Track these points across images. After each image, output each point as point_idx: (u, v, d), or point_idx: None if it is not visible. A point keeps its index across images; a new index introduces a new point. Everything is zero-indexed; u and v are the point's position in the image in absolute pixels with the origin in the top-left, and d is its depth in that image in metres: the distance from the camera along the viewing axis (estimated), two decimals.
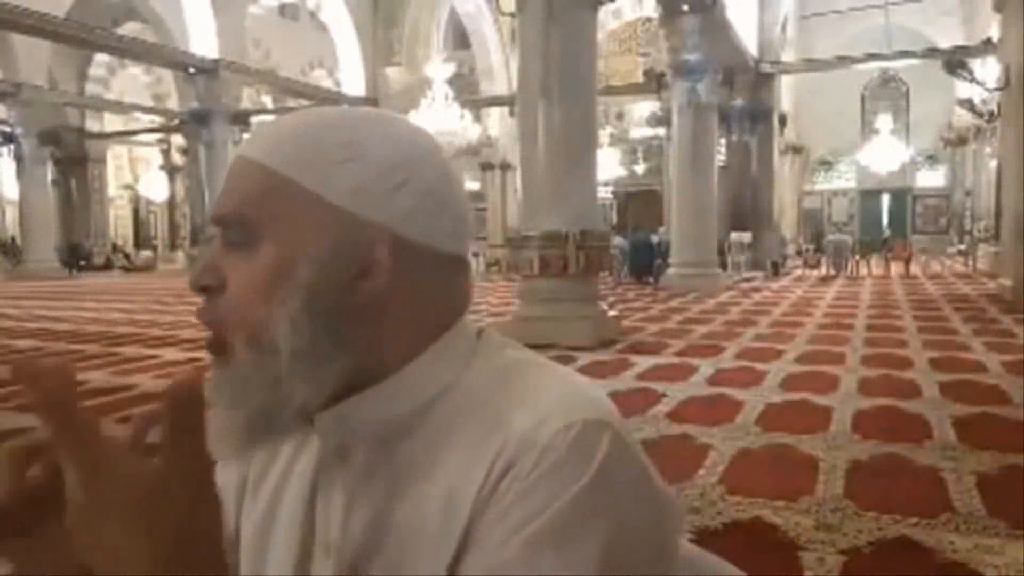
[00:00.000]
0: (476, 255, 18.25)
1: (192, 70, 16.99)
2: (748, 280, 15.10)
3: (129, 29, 20.27)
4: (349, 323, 0.50)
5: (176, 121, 22.21)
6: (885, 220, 25.92)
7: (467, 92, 21.04)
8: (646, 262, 15.08)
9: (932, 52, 17.27)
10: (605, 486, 0.46)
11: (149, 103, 25.12)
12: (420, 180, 0.52)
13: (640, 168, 26.68)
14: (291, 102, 23.46)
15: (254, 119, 19.60)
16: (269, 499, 0.58)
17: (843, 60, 19.02)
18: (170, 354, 6.73)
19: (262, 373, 0.49)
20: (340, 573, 0.52)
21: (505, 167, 23.81)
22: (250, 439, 0.51)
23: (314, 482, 0.55)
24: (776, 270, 16.87)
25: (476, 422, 0.50)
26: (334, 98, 21.18)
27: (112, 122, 25.93)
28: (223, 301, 0.50)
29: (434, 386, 0.52)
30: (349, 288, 0.50)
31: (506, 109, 19.98)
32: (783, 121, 20.30)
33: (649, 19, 21.46)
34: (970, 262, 18.37)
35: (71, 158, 22.72)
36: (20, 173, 19.75)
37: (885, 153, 23.47)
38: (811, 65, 20.36)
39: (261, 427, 0.51)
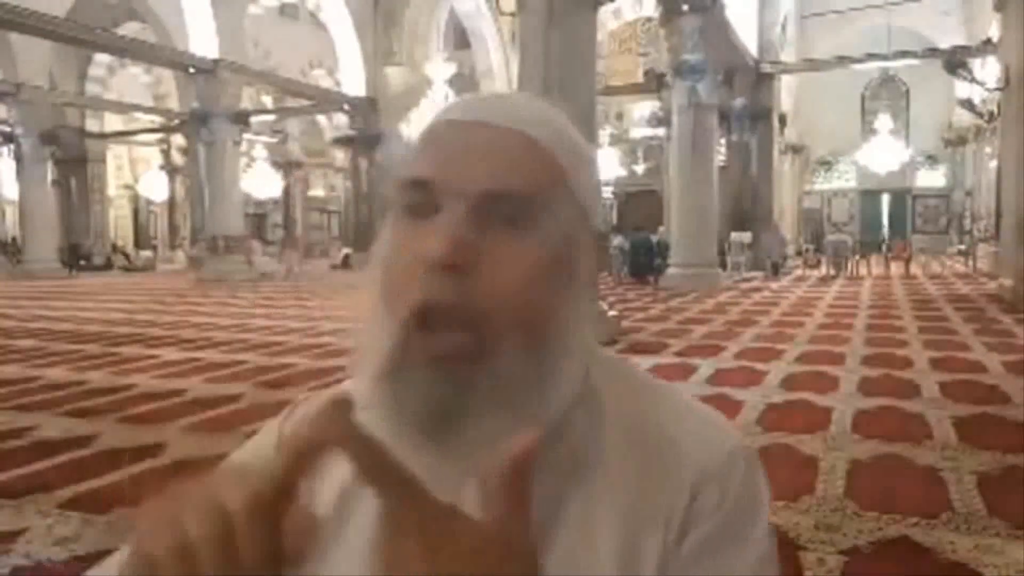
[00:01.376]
0: None
1: (192, 70, 16.97)
2: (748, 280, 15.10)
3: (129, 29, 20.25)
4: (588, 320, 0.51)
5: (176, 121, 22.20)
6: (885, 220, 25.92)
7: (467, 92, 21.01)
8: (646, 262, 15.07)
9: (932, 52, 17.27)
10: (768, 503, 0.51)
11: (149, 103, 25.10)
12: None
13: (640, 168, 26.66)
14: (291, 102, 23.47)
15: (253, 118, 19.61)
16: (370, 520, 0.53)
17: (843, 60, 19.01)
18: (170, 354, 6.72)
19: (534, 369, 0.46)
20: None
21: None
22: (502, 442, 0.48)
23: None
24: (776, 270, 16.86)
25: (632, 441, 0.51)
26: (334, 98, 21.17)
27: (112, 122, 25.91)
28: (485, 284, 0.44)
29: (575, 386, 0.51)
30: (589, 287, 0.51)
31: None
32: (783, 121, 20.29)
33: (649, 19, 21.45)
34: (970, 262, 18.36)
35: (71, 158, 22.69)
36: (20, 173, 19.72)
37: (885, 153, 23.46)
38: (811, 65, 20.35)
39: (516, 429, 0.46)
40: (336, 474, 0.48)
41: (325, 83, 23.45)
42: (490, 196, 0.46)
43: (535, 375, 0.46)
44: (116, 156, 28.26)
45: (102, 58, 22.96)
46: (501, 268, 0.45)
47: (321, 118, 27.31)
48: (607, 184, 23.01)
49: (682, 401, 0.55)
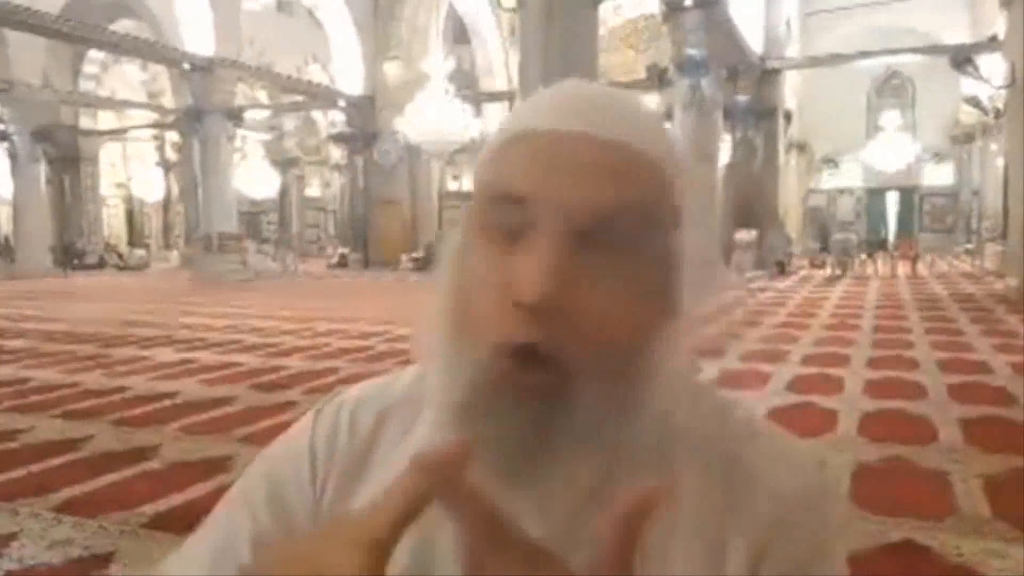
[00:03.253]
0: None
1: (187, 66, 16.93)
2: (752, 279, 15.02)
3: (123, 26, 20.18)
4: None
5: (171, 118, 22.18)
6: (892, 219, 25.83)
7: (467, 87, 20.98)
8: None
9: (938, 49, 17.17)
10: (841, 543, 0.53)
11: (144, 100, 25.08)
12: None
13: None
14: (287, 98, 23.42)
15: (248, 115, 19.57)
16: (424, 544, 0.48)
17: (848, 57, 18.92)
18: (164, 355, 6.68)
19: (621, 403, 0.43)
20: None
21: None
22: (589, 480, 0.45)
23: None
24: (781, 269, 16.78)
25: (701, 458, 0.49)
26: (330, 95, 21.12)
27: (106, 120, 25.86)
28: (582, 320, 0.41)
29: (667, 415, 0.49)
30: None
31: (506, 105, 19.93)
32: (788, 118, 20.21)
33: (651, 15, 21.38)
34: (977, 261, 18.26)
35: (64, 156, 22.67)
36: (13, 171, 19.69)
37: (891, 151, 23.35)
38: (816, 62, 20.28)
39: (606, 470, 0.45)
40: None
41: (321, 79, 23.37)
42: (597, 219, 0.41)
43: (621, 409, 0.43)
44: (110, 154, 28.25)
45: (96, 55, 22.97)
46: (601, 302, 0.41)
47: (317, 115, 27.24)
48: None
49: (761, 427, 0.53)
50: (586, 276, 0.41)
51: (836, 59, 19.50)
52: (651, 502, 0.32)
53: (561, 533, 0.42)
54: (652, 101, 21.03)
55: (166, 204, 28.94)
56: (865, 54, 18.31)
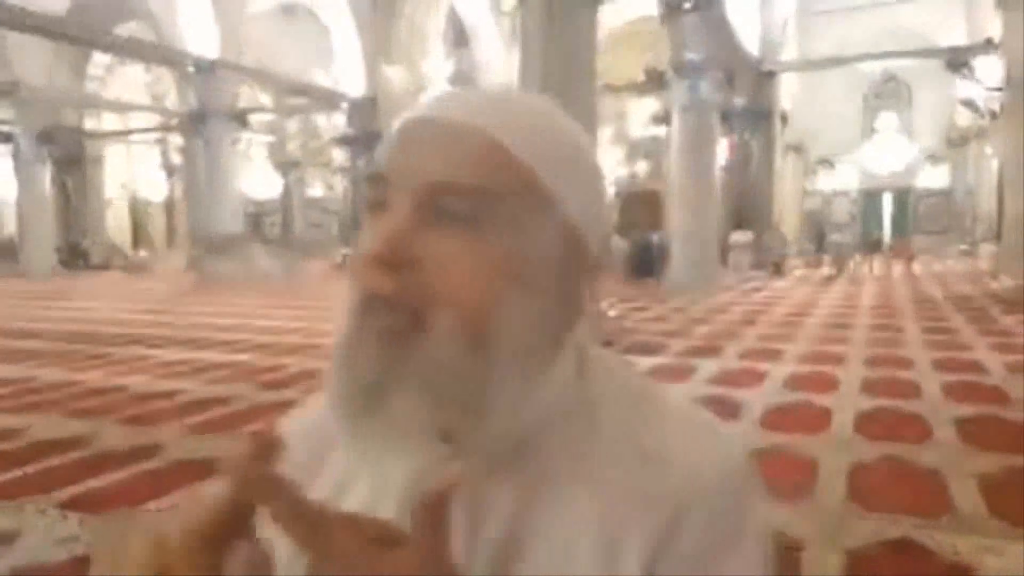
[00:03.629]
0: None
1: (191, 69, 16.95)
2: (749, 280, 15.08)
3: (128, 28, 20.21)
4: (549, 325, 0.48)
5: (174, 120, 22.19)
6: (887, 220, 25.90)
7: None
8: (646, 262, 15.06)
9: (934, 51, 17.25)
10: (761, 519, 0.49)
11: (148, 102, 25.07)
12: (605, 196, 0.53)
13: (640, 168, 26.65)
14: (290, 100, 23.43)
15: (252, 117, 19.56)
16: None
17: (844, 59, 18.99)
18: (168, 354, 6.71)
19: (470, 362, 0.45)
20: None
21: None
22: (419, 430, 0.46)
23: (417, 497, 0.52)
24: (777, 270, 16.84)
25: (618, 453, 0.49)
26: (333, 96, 21.14)
27: (110, 121, 25.87)
28: (426, 278, 0.45)
29: (557, 395, 0.50)
30: (559, 289, 0.49)
31: None
32: (784, 120, 20.27)
33: (650, 17, 21.42)
34: (972, 262, 18.34)
35: (69, 157, 22.63)
36: (18, 172, 19.68)
37: (887, 153, 23.46)
38: (812, 64, 20.34)
39: (435, 418, 0.46)
40: (330, 472, 0.53)
41: (323, 81, 23.41)
42: (433, 189, 0.46)
43: (470, 372, 0.45)
44: (114, 156, 28.24)
45: (100, 57, 22.93)
46: (442, 264, 0.45)
47: (320, 117, 27.27)
48: (607, 184, 22.96)
49: (682, 412, 0.53)
50: (431, 237, 0.45)
51: (832, 62, 19.58)
52: (444, 493, 0.36)
53: (411, 476, 0.46)
54: (651, 104, 21.09)
55: (170, 205, 28.88)
56: (861, 57, 18.38)
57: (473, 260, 0.45)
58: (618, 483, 0.48)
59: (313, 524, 0.36)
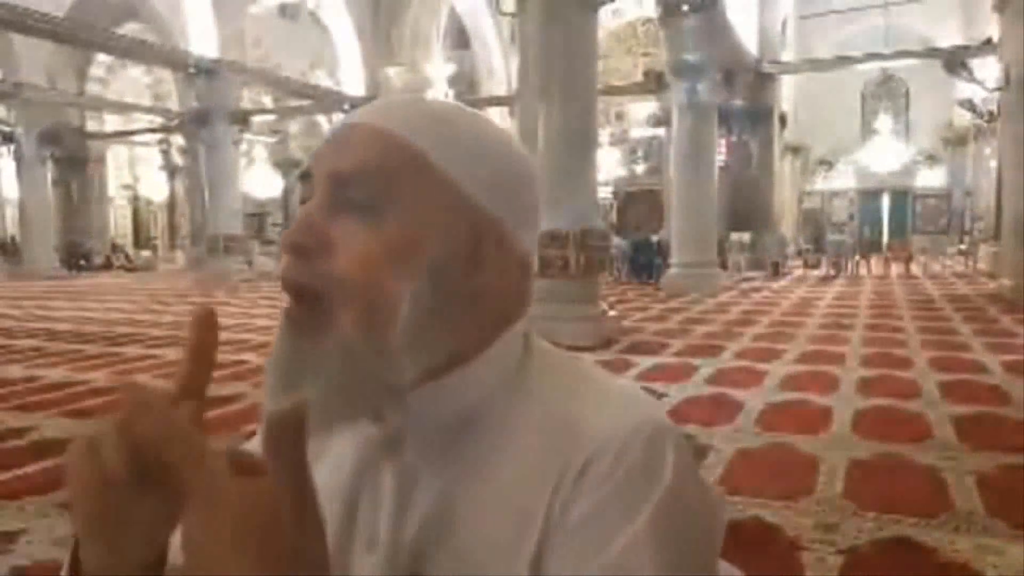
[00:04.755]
0: None
1: (192, 70, 16.96)
2: (748, 280, 15.10)
3: (129, 29, 20.21)
4: (456, 308, 0.50)
5: (176, 121, 22.20)
6: (885, 220, 25.91)
7: (467, 92, 21.02)
8: (646, 262, 15.08)
9: (932, 52, 17.26)
10: (677, 490, 0.47)
11: (149, 103, 25.09)
12: (528, 186, 0.55)
13: (640, 168, 26.65)
14: (291, 102, 23.43)
15: (254, 118, 19.56)
16: None
17: (843, 60, 19.00)
18: (171, 354, 6.72)
19: (369, 346, 0.48)
20: (393, 572, 0.50)
21: None
22: (337, 415, 0.50)
23: (358, 475, 0.54)
24: (776, 270, 16.87)
25: (538, 422, 0.51)
26: (334, 98, 21.15)
27: (112, 122, 25.87)
28: (327, 264, 0.48)
29: (498, 378, 0.53)
30: (464, 274, 0.50)
31: (506, 109, 19.96)
32: (783, 121, 20.28)
33: (649, 19, 21.44)
34: (970, 262, 18.36)
35: (71, 158, 22.67)
36: (20, 173, 19.70)
37: (885, 153, 23.44)
38: (811, 65, 20.34)
39: (350, 403, 0.49)
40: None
41: (325, 83, 23.42)
42: (332, 180, 0.50)
43: (374, 352, 0.48)
44: (116, 156, 28.26)
45: (102, 58, 22.93)
46: (342, 250, 0.48)
47: (321, 118, 27.27)
48: (606, 184, 22.96)
49: (610, 387, 0.53)
50: (338, 227, 0.48)
51: (831, 62, 19.58)
52: (286, 421, 0.38)
53: (356, 455, 0.53)
54: (650, 105, 21.09)
55: (171, 205, 28.87)
56: (859, 58, 18.38)
57: (366, 244, 0.48)
58: (535, 453, 0.50)
59: (189, 444, 0.38)
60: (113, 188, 27.86)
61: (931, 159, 25.95)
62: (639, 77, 20.20)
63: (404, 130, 0.50)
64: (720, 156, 15.24)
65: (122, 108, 23.70)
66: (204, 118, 16.89)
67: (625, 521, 0.45)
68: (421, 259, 0.49)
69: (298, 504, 0.38)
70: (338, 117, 24.02)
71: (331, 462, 0.54)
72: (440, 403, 0.52)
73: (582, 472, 0.47)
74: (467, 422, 0.52)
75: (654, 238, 15.89)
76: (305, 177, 0.52)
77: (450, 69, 17.13)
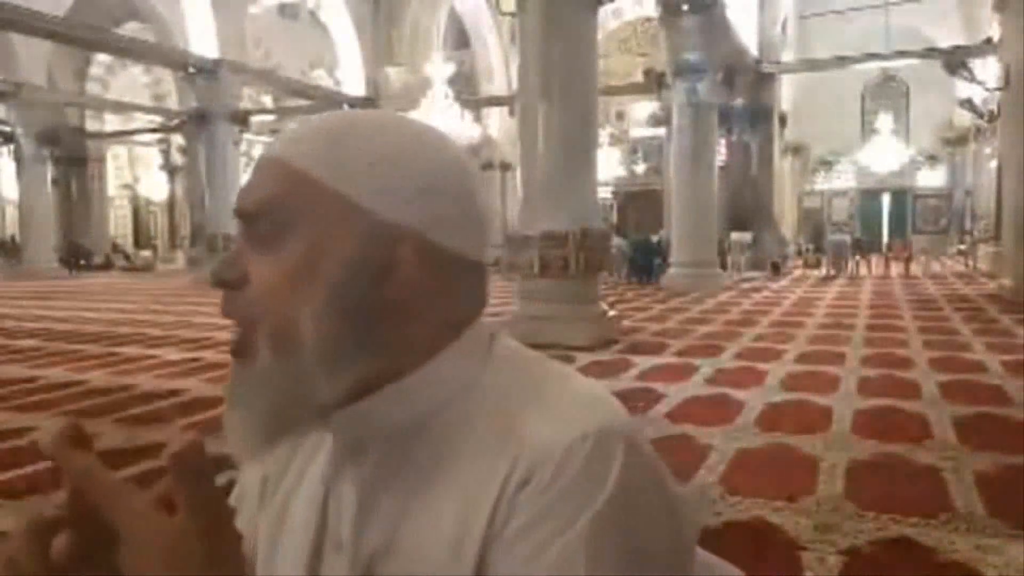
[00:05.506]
0: None
1: (192, 70, 16.97)
2: (748, 280, 15.10)
3: (129, 29, 20.25)
4: (372, 322, 0.50)
5: (176, 121, 22.22)
6: (885, 220, 25.93)
7: (467, 92, 21.01)
8: (646, 262, 15.08)
9: (932, 52, 17.26)
10: (625, 496, 0.46)
11: (149, 103, 25.10)
12: (445, 186, 0.52)
13: (640, 168, 26.66)
14: (291, 102, 23.45)
15: (254, 118, 19.56)
16: (283, 498, 0.59)
17: (843, 60, 19.00)
18: (170, 354, 6.72)
19: (284, 371, 0.49)
20: (353, 572, 0.52)
21: (505, 167, 23.84)
22: (268, 438, 0.51)
23: (327, 480, 0.55)
24: (776, 270, 16.87)
25: (489, 429, 0.50)
26: (334, 98, 21.16)
27: (112, 122, 25.88)
28: (245, 296, 0.50)
29: (450, 386, 0.52)
30: (373, 287, 0.50)
31: (506, 109, 19.97)
32: (783, 121, 20.29)
33: (649, 19, 21.45)
34: (970, 262, 18.37)
35: (71, 158, 22.70)
36: (20, 173, 19.72)
37: (885, 153, 23.47)
38: (811, 65, 20.34)
39: (279, 426, 0.51)
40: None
41: (325, 83, 23.45)
42: (242, 216, 0.52)
43: (290, 376, 0.49)
44: (116, 156, 28.26)
45: (102, 58, 22.96)
46: (255, 282, 0.50)
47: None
48: (606, 184, 22.95)
49: (567, 391, 0.52)
50: (252, 261, 0.50)
51: (831, 62, 19.58)
52: (184, 457, 0.38)
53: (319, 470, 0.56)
54: (650, 105, 21.11)
55: (171, 205, 28.87)
56: (859, 57, 18.38)
57: (269, 274, 0.50)
58: (484, 461, 0.49)
59: (110, 488, 0.39)
60: (113, 188, 27.87)
61: (931, 159, 25.97)
62: (639, 77, 20.22)
63: (294, 155, 0.51)
64: (720, 156, 15.25)
65: (122, 108, 23.71)
66: (204, 118, 16.90)
67: (561, 532, 0.45)
68: (319, 279, 0.49)
69: (209, 537, 0.39)
70: None
71: (314, 471, 0.57)
72: (389, 413, 0.52)
73: (524, 482, 0.47)
74: (423, 429, 0.52)
75: (654, 238, 15.89)
76: (235, 213, 0.54)
77: (450, 69, 17.10)
